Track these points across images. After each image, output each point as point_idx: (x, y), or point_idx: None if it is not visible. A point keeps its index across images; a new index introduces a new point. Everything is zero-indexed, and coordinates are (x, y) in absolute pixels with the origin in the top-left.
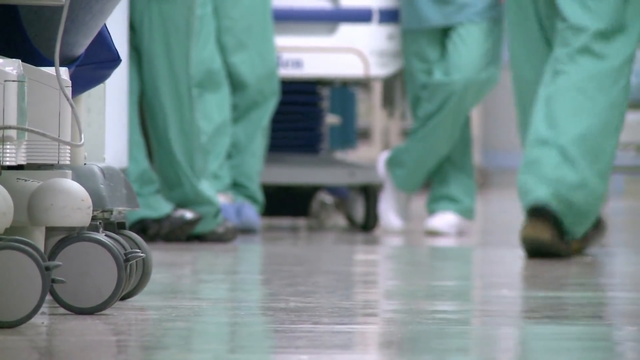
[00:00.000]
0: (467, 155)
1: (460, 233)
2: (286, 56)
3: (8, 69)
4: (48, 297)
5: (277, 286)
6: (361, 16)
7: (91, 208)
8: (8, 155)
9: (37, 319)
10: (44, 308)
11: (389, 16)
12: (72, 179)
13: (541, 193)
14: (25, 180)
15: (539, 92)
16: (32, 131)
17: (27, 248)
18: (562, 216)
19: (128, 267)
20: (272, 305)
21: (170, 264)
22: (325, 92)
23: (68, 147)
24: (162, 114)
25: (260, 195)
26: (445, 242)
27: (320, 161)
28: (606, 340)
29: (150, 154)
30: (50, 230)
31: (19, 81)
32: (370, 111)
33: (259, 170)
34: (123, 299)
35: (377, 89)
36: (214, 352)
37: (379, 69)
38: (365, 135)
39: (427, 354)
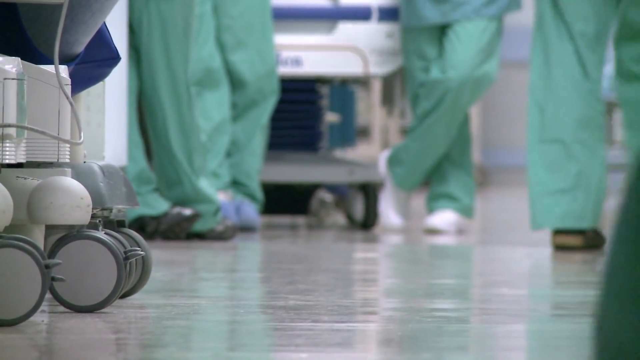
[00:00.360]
0: (467, 153)
1: (460, 231)
2: (285, 54)
3: (7, 67)
4: (48, 295)
5: (277, 284)
6: (360, 14)
7: (91, 206)
8: (7, 153)
9: (37, 317)
10: (44, 306)
11: (388, 14)
12: (72, 177)
13: None
14: (25, 178)
15: None
16: (31, 129)
17: (26, 246)
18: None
19: (128, 265)
20: (271, 303)
21: (169, 262)
22: (324, 90)
23: (67, 145)
24: (162, 113)
25: (259, 194)
26: (444, 240)
27: (320, 159)
28: None
29: (148, 153)
30: (49, 229)
31: (18, 79)
32: (370, 109)
33: (259, 168)
34: (123, 297)
35: (377, 87)
36: (214, 350)
37: (378, 67)
38: (364, 133)
39: (427, 352)
